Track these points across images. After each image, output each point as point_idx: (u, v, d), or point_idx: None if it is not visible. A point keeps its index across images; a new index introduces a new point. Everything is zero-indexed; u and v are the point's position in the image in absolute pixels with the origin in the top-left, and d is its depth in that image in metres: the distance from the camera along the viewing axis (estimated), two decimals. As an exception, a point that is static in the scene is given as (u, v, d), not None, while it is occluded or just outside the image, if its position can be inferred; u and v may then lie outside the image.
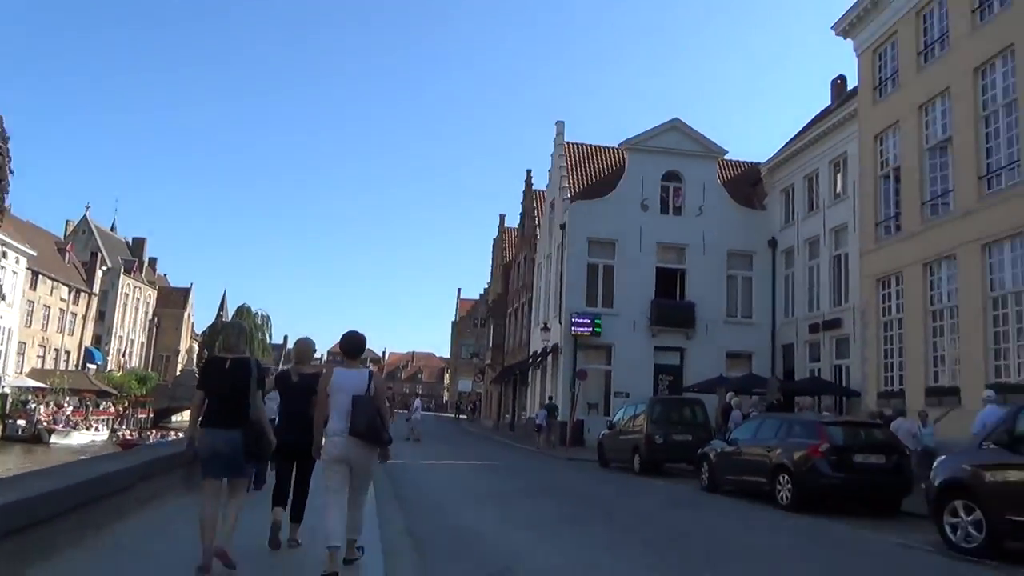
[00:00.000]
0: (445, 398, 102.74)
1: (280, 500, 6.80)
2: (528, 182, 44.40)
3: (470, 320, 77.74)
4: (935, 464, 9.16)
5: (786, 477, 12.05)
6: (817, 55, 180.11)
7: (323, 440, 6.04)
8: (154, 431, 51.03)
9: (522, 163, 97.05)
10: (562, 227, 31.37)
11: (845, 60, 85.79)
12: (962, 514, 8.43)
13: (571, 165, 33.62)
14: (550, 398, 31.36)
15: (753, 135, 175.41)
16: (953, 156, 19.07)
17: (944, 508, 8.69)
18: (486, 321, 56.68)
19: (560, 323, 30.37)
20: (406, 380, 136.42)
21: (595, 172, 33.68)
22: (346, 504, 5.96)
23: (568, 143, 34.41)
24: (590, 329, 29.42)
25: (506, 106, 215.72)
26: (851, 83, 31.83)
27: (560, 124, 34.61)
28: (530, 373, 36.45)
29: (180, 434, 39.58)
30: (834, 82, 33.08)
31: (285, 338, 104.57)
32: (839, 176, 27.67)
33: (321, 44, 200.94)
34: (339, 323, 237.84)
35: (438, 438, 33.11)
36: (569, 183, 32.53)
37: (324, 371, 6.23)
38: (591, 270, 30.60)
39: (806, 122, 33.47)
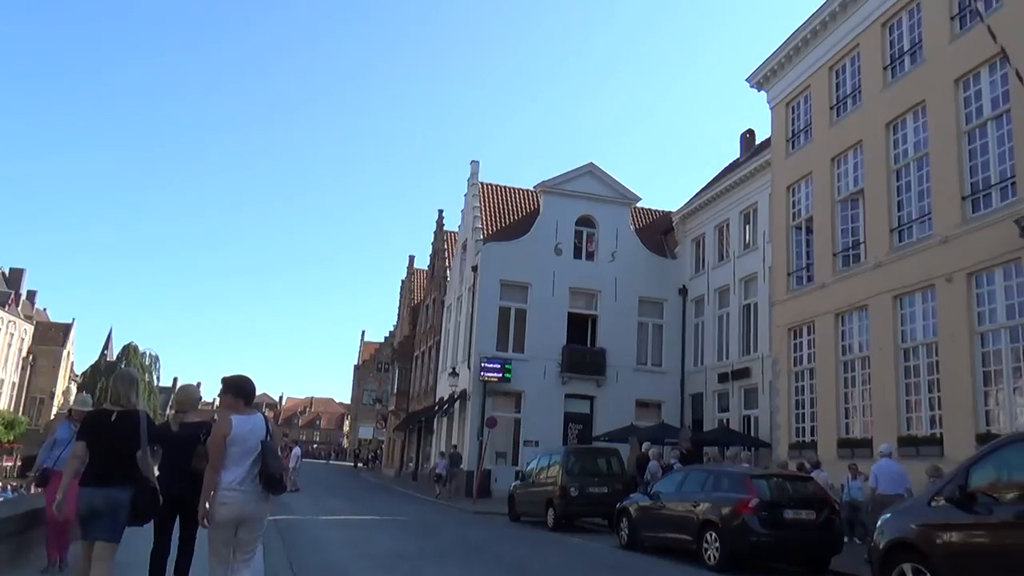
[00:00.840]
0: (345, 445, 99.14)
1: (158, 565, 6.09)
2: (439, 222, 43.55)
3: (374, 364, 75.51)
4: (879, 522, 8.54)
5: (714, 535, 11.29)
6: (728, 109, 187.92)
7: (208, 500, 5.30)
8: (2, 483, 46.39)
9: (434, 203, 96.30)
10: (474, 268, 30.55)
11: (754, 114, 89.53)
12: (911, 578, 7.81)
13: (485, 206, 32.98)
14: (454, 447, 30.46)
15: (665, 184, 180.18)
16: (865, 208, 19.30)
17: (891, 571, 8.05)
18: (391, 365, 54.93)
19: (469, 368, 29.33)
20: (304, 426, 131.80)
21: (509, 214, 33.14)
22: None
23: (482, 183, 33.80)
24: (500, 375, 28.53)
25: (418, 147, 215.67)
26: (760, 136, 32.68)
27: (475, 164, 34.01)
28: (436, 420, 35.12)
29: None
30: (743, 136, 33.88)
31: (175, 380, 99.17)
32: (749, 227, 28.01)
33: (225, 79, 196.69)
34: (233, 366, 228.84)
35: (336, 490, 31.23)
36: (483, 223, 31.84)
37: (217, 418, 5.63)
38: (502, 313, 29.84)
39: (716, 173, 34.06)
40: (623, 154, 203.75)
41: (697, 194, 32.56)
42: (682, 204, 33.12)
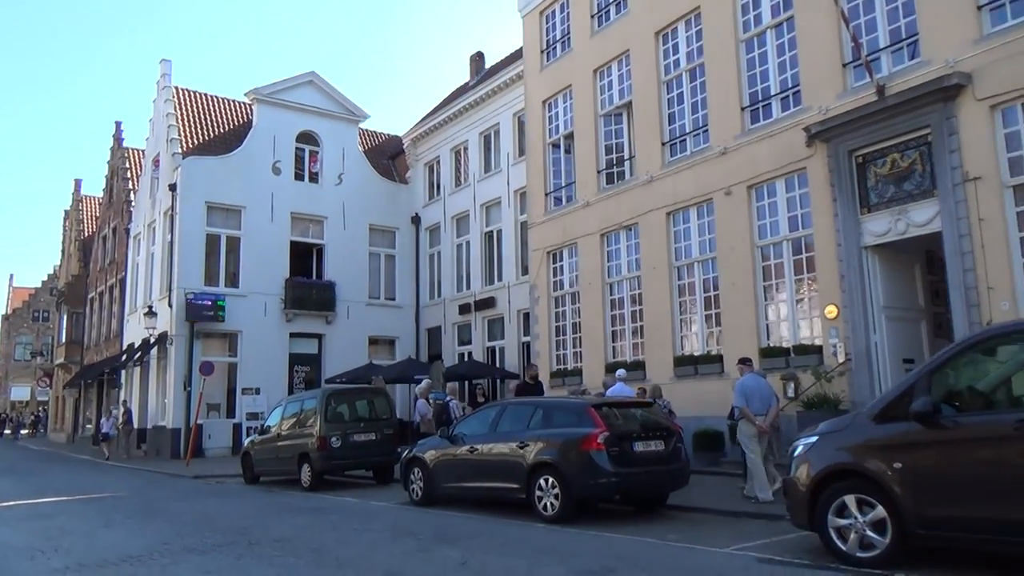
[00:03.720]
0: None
1: None
2: (117, 136, 36.30)
3: (28, 312, 63.66)
4: (797, 451, 7.01)
5: (551, 480, 9.22)
6: (456, 31, 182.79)
7: None
8: None
9: (108, 115, 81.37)
10: (172, 188, 25.36)
11: (484, 37, 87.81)
12: (856, 513, 6.32)
13: (182, 114, 27.56)
14: (124, 402, 26.60)
15: (390, 108, 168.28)
16: (632, 122, 18.32)
17: (827, 506, 6.53)
18: (55, 311, 46.04)
19: (171, 306, 24.46)
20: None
21: (214, 126, 28.11)
22: None
23: (178, 88, 28.21)
24: (211, 313, 24.13)
25: (79, 43, 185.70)
26: (490, 59, 31.15)
27: (166, 63, 28.14)
28: (125, 372, 29.36)
29: None
30: (473, 58, 32.12)
31: None
32: (491, 150, 26.36)
33: None
34: None
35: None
36: (180, 135, 26.54)
37: None
38: (211, 241, 25.29)
39: (447, 95, 31.99)
40: (345, 75, 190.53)
41: (428, 115, 30.24)
42: (412, 125, 30.62)
